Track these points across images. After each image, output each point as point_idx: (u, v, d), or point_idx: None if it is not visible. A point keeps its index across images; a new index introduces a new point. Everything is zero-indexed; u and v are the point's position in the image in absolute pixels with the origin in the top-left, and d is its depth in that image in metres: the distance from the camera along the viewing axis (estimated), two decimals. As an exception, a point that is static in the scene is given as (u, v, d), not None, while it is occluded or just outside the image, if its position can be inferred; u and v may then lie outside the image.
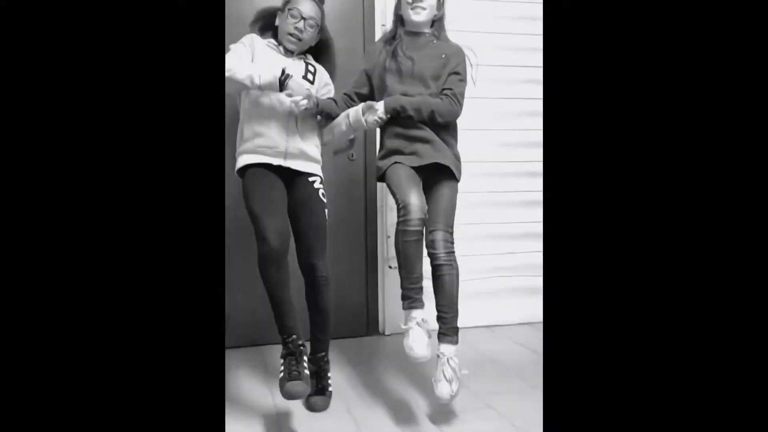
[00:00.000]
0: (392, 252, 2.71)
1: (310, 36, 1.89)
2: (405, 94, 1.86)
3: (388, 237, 2.73)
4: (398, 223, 1.81)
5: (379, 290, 2.81)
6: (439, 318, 1.89)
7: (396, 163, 1.88)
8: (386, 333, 2.82)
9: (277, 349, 1.87)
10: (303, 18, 1.85)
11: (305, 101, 1.78)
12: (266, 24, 1.96)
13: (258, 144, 1.84)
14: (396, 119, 1.87)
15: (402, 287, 1.85)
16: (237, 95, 1.93)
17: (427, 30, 1.92)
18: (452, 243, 1.89)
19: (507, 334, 2.80)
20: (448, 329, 1.87)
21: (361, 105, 1.89)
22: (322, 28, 1.93)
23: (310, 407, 1.97)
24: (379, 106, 1.85)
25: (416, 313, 1.81)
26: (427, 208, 1.82)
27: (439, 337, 1.87)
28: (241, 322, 2.56)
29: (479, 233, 2.83)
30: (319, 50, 2.00)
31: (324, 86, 1.98)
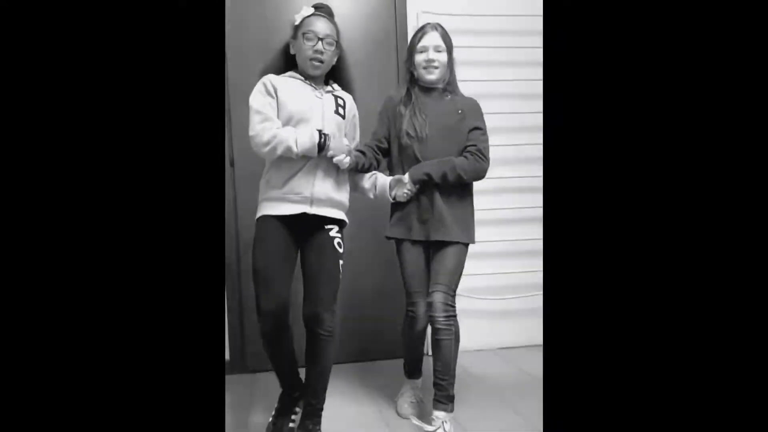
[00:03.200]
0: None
1: (330, 55, 1.79)
2: (425, 157, 1.84)
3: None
4: (405, 321, 1.97)
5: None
6: (435, 384, 1.87)
7: (405, 241, 1.89)
8: (428, 354, 2.68)
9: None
10: (320, 38, 1.75)
11: (348, 158, 1.75)
12: (279, 66, 1.87)
13: (284, 192, 1.75)
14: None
15: (404, 360, 2.10)
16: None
17: (440, 84, 1.91)
18: (453, 306, 1.84)
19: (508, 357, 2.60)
20: (443, 396, 1.86)
21: (389, 180, 1.88)
22: (338, 44, 1.84)
23: None
24: (406, 179, 1.84)
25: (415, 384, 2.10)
26: (426, 282, 1.89)
27: (434, 404, 1.87)
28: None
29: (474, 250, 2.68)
30: (336, 69, 1.91)
31: (353, 117, 1.93)
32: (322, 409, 1.82)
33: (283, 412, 1.87)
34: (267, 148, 1.71)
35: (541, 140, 2.76)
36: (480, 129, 1.87)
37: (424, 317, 1.86)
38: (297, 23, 1.80)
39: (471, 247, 1.95)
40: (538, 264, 2.65)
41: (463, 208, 1.89)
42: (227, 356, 2.60)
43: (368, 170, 1.91)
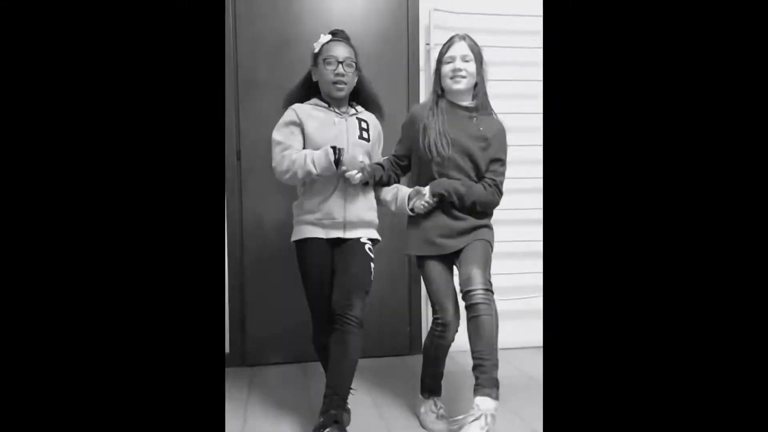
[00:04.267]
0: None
1: (351, 77, 1.87)
2: (446, 176, 1.84)
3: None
4: (434, 330, 1.83)
5: (422, 307, 2.65)
6: (476, 367, 1.67)
7: (430, 259, 1.85)
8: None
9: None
10: (340, 62, 1.83)
11: (359, 175, 1.80)
12: (302, 94, 1.95)
13: (318, 217, 1.84)
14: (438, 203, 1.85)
15: (424, 378, 1.95)
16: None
17: (467, 102, 1.88)
18: (491, 283, 1.75)
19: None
20: (486, 380, 1.65)
21: (409, 191, 1.88)
22: (357, 66, 1.90)
23: None
24: (426, 191, 1.84)
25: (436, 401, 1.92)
26: (456, 296, 1.82)
27: (476, 390, 1.65)
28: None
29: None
30: (357, 91, 1.97)
31: (377, 136, 1.99)
32: (345, 401, 1.79)
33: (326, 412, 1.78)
34: (288, 176, 1.81)
35: (541, 141, 2.74)
36: (501, 161, 1.87)
37: (455, 322, 1.79)
38: (316, 51, 1.89)
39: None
40: (537, 265, 2.63)
41: (478, 217, 1.88)
42: (227, 349, 2.60)
43: (387, 183, 1.94)
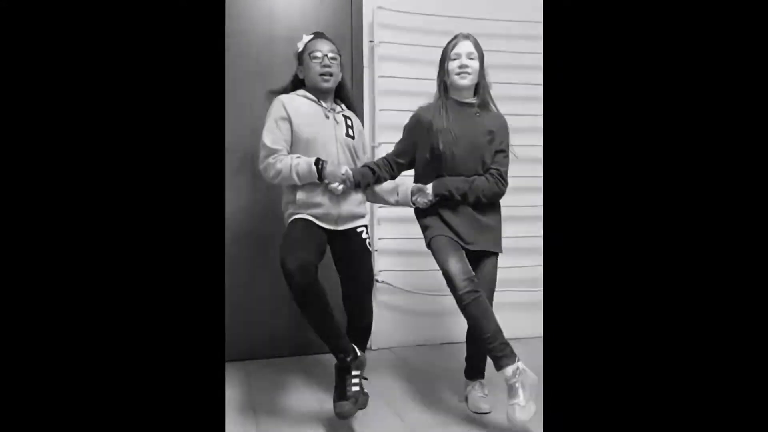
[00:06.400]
0: (381, 266, 2.70)
1: (336, 69, 1.95)
2: (450, 172, 1.89)
3: (376, 251, 2.70)
4: (461, 302, 1.80)
5: (366, 304, 2.74)
6: (485, 348, 1.81)
7: (449, 242, 1.88)
8: (373, 348, 2.70)
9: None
10: (325, 55, 1.92)
11: (342, 186, 1.86)
12: (289, 91, 1.99)
13: (312, 213, 1.88)
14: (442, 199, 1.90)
15: (488, 351, 1.79)
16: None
17: (471, 99, 1.95)
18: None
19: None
20: (498, 349, 1.76)
21: (412, 186, 1.96)
22: (341, 62, 1.99)
23: (336, 413, 1.80)
24: (429, 190, 1.90)
25: (510, 370, 1.74)
26: (470, 267, 1.83)
27: (496, 364, 1.77)
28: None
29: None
30: (339, 88, 2.03)
31: (359, 134, 2.06)
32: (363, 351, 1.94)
33: (340, 384, 1.83)
34: (275, 181, 1.90)
35: (540, 142, 2.84)
36: (504, 152, 1.95)
37: (467, 282, 1.80)
38: (300, 49, 1.97)
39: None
40: (532, 260, 2.77)
41: (495, 219, 1.98)
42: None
43: (378, 184, 2.01)
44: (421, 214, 2.00)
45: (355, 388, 1.81)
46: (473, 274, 1.83)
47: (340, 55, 1.98)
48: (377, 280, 2.67)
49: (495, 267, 1.97)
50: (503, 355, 1.74)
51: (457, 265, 1.81)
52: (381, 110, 2.64)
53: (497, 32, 2.75)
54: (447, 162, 1.89)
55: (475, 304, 1.78)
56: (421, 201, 1.93)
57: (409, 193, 1.96)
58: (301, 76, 1.99)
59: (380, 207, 2.68)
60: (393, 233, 2.72)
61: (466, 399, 2.05)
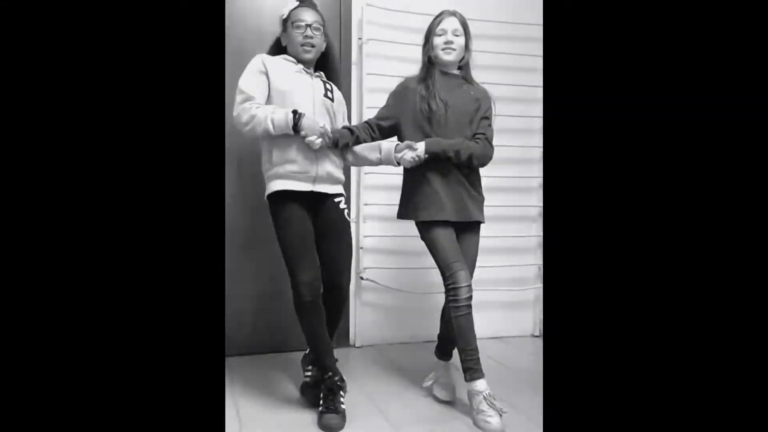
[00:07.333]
0: (365, 263, 2.70)
1: (319, 40, 1.91)
2: (443, 137, 1.89)
3: (361, 248, 2.70)
4: (447, 297, 1.86)
5: (350, 301, 2.75)
6: (463, 358, 1.87)
7: (436, 224, 1.89)
8: (357, 345, 2.71)
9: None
10: (308, 25, 1.88)
11: (319, 140, 1.80)
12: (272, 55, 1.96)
13: (289, 170, 1.85)
14: (433, 162, 1.90)
15: (461, 360, 1.88)
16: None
17: (456, 71, 1.98)
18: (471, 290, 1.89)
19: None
20: (472, 363, 1.86)
21: (397, 143, 1.92)
22: (325, 32, 1.95)
23: (325, 426, 1.80)
24: (420, 146, 1.87)
25: (480, 385, 1.85)
26: (468, 276, 1.87)
27: (466, 376, 1.87)
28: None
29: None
30: (322, 59, 2.00)
31: (340, 104, 2.01)
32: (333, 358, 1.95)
33: (329, 398, 1.86)
34: (246, 128, 1.82)
35: (532, 143, 2.90)
36: (488, 119, 1.97)
37: (467, 283, 1.84)
38: (285, 16, 1.94)
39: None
40: (528, 259, 2.82)
41: (480, 190, 2.01)
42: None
43: (355, 145, 1.98)
44: (416, 191, 1.95)
45: (343, 406, 1.85)
46: (466, 271, 1.86)
47: (323, 26, 1.94)
48: (362, 278, 2.67)
49: (479, 238, 2.00)
50: (479, 368, 1.86)
51: (462, 271, 1.84)
52: (369, 107, 2.64)
53: (486, 33, 2.76)
54: (436, 127, 1.90)
55: (468, 316, 1.84)
56: (409, 156, 1.87)
57: (393, 148, 1.93)
58: (283, 43, 1.96)
59: (366, 204, 2.68)
60: (377, 231, 2.72)
61: (432, 384, 2.10)
